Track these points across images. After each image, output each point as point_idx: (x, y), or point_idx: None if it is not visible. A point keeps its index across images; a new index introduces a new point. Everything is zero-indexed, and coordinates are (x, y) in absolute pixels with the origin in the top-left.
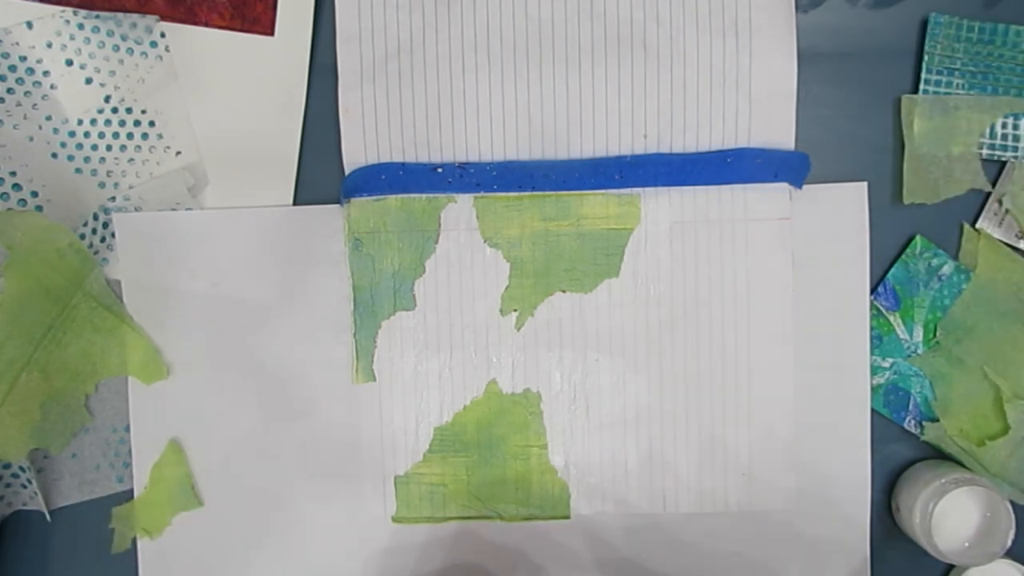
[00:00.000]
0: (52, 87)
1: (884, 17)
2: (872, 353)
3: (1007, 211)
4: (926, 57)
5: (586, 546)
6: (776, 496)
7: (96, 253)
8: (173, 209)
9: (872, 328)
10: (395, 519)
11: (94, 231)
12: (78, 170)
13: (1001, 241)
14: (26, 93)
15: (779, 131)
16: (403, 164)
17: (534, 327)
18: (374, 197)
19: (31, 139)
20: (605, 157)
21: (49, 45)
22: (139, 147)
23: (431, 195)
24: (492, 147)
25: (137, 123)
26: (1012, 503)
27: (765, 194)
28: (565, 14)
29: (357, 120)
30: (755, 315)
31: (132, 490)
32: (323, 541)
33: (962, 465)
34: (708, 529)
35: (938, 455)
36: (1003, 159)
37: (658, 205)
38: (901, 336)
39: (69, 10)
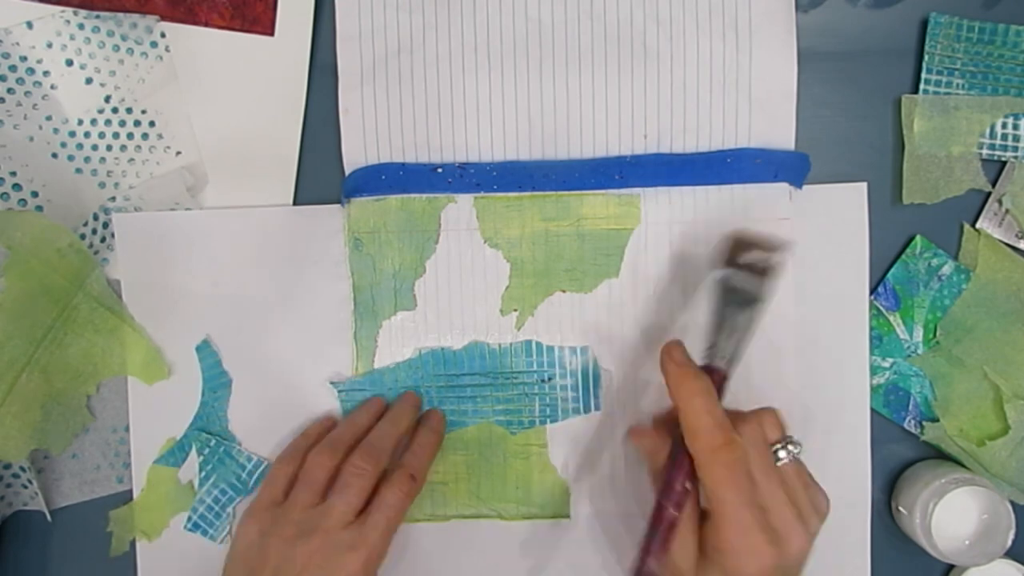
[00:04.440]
0: (52, 87)
1: (884, 17)
2: (872, 353)
3: (1007, 211)
4: (926, 57)
5: (586, 546)
6: None
7: (96, 253)
8: (173, 209)
9: (872, 328)
10: None
11: (94, 231)
12: (78, 170)
13: (1001, 241)
14: (26, 93)
15: (779, 131)
16: (403, 164)
17: (534, 327)
18: (374, 197)
19: (31, 139)
20: (605, 157)
21: (49, 45)
22: (139, 147)
23: (431, 195)
24: (492, 147)
25: (137, 123)
26: (1012, 503)
27: (765, 194)
28: (565, 15)
29: (357, 120)
30: None
31: (132, 490)
32: None
33: (962, 465)
34: None
35: (938, 455)
36: (1003, 159)
37: (658, 205)
38: (901, 336)
39: (69, 10)
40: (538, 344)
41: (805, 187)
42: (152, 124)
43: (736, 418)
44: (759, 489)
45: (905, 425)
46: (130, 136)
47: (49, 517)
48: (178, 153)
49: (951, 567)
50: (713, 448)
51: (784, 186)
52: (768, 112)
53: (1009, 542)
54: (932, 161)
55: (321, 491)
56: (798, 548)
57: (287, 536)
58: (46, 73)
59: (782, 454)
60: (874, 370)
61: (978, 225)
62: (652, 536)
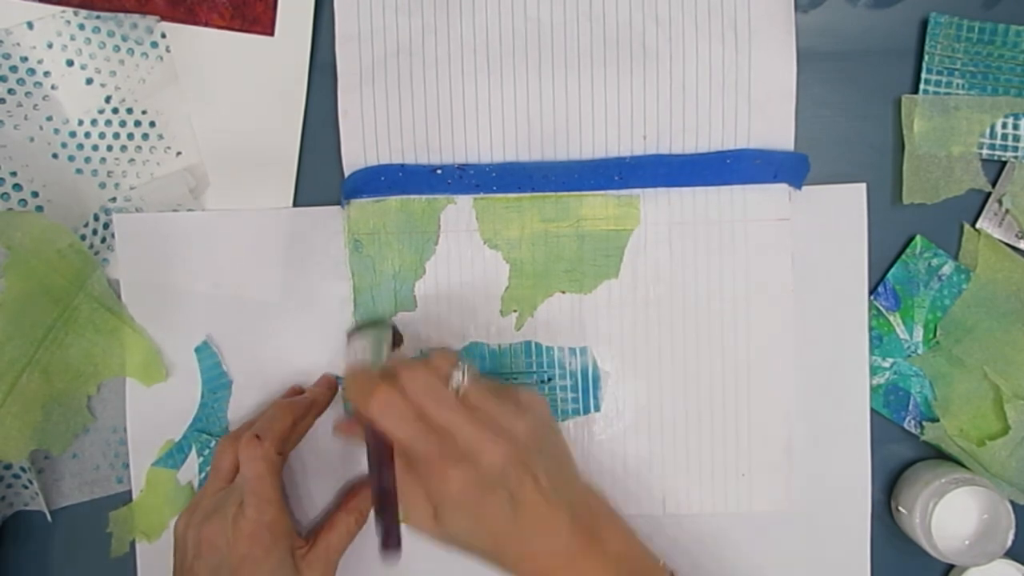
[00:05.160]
0: (53, 88)
1: (884, 17)
2: (872, 353)
3: (1007, 211)
4: (926, 57)
5: None
6: (776, 496)
7: (96, 254)
8: (174, 210)
9: (872, 328)
10: None
11: (95, 232)
12: (79, 171)
13: (1001, 241)
14: (27, 94)
15: (778, 132)
16: (403, 165)
17: (534, 328)
18: (374, 198)
19: (32, 140)
20: (605, 158)
21: (50, 46)
22: (139, 147)
23: (431, 196)
24: (491, 148)
25: (138, 123)
26: (1012, 503)
27: (764, 195)
28: (564, 16)
29: (356, 122)
30: (755, 315)
31: (131, 491)
32: None
33: (962, 465)
34: (708, 529)
35: (938, 455)
36: (1003, 159)
37: (657, 206)
38: (901, 336)
39: (70, 10)
40: (538, 345)
41: (804, 187)
42: (152, 124)
43: (399, 369)
44: (434, 420)
45: (905, 425)
46: (130, 136)
47: (49, 517)
48: (178, 154)
49: (951, 567)
50: (367, 405)
51: (783, 187)
52: (767, 113)
53: (1009, 542)
54: (932, 161)
55: (227, 476)
56: (491, 459)
57: (197, 522)
58: (47, 73)
59: (453, 381)
60: (874, 370)
61: (978, 225)
62: (381, 515)
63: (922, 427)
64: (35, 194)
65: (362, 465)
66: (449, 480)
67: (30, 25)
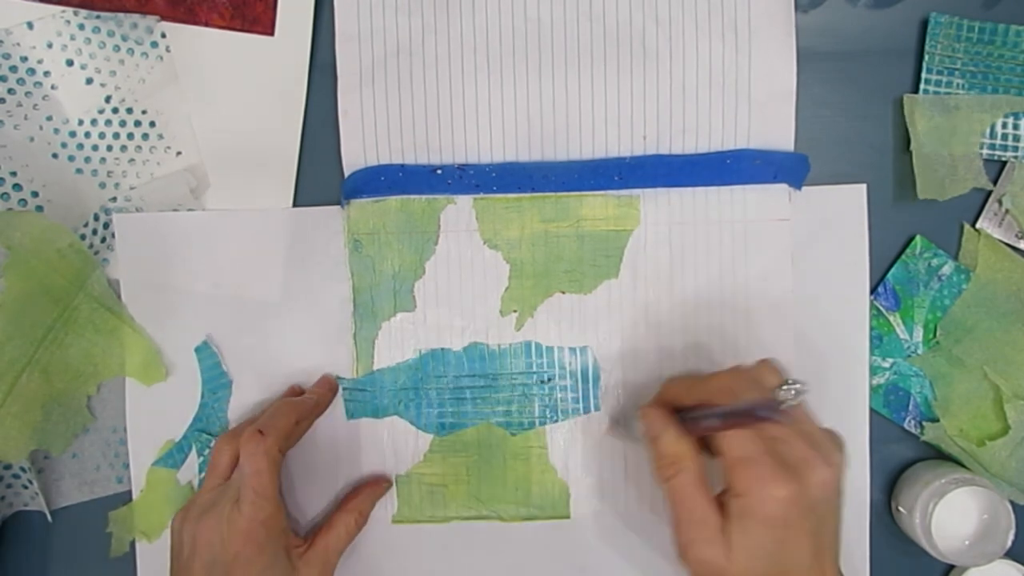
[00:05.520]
0: (53, 87)
1: (884, 17)
2: (872, 353)
3: (1007, 211)
4: (926, 57)
5: (586, 546)
6: None
7: (96, 254)
8: (175, 210)
9: (872, 328)
10: (395, 519)
11: (95, 231)
12: (79, 170)
13: (1001, 241)
14: (27, 93)
15: (778, 132)
16: (403, 166)
17: (534, 328)
18: (374, 199)
19: (32, 139)
20: (604, 158)
21: (50, 45)
22: (139, 147)
23: (430, 196)
24: (491, 148)
25: (138, 123)
26: (1012, 503)
27: (764, 195)
28: (564, 16)
29: (356, 122)
30: (755, 316)
31: (131, 491)
32: None
33: (962, 465)
34: None
35: (938, 455)
36: (1003, 159)
37: (657, 206)
38: (901, 336)
39: (70, 10)
40: (538, 345)
41: (804, 188)
42: (152, 124)
43: (733, 372)
44: (764, 428)
45: (905, 425)
46: (130, 136)
47: (49, 517)
48: (178, 153)
49: (951, 567)
50: (702, 386)
51: (783, 187)
52: (767, 113)
53: (1009, 542)
54: (938, 159)
55: (224, 474)
56: (820, 480)
57: (193, 519)
58: (46, 73)
59: (782, 395)
60: (874, 370)
61: (978, 225)
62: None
63: (922, 427)
64: (35, 194)
65: (360, 466)
66: (775, 486)
67: (30, 25)
